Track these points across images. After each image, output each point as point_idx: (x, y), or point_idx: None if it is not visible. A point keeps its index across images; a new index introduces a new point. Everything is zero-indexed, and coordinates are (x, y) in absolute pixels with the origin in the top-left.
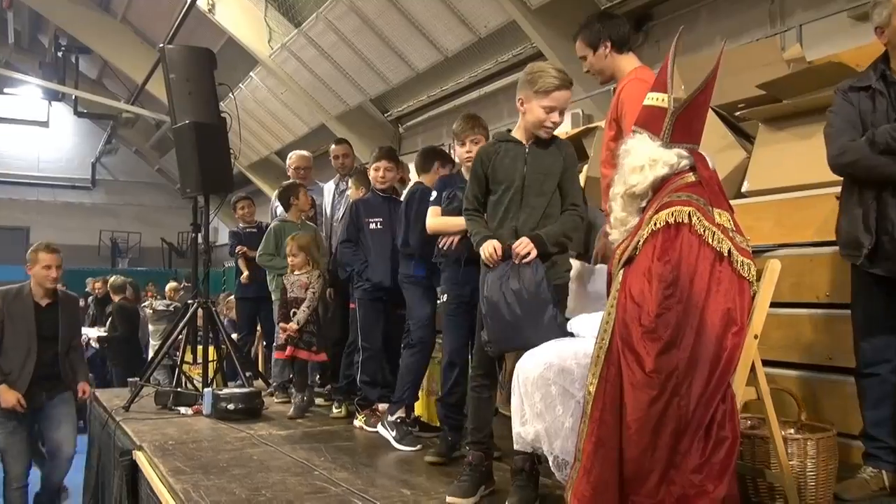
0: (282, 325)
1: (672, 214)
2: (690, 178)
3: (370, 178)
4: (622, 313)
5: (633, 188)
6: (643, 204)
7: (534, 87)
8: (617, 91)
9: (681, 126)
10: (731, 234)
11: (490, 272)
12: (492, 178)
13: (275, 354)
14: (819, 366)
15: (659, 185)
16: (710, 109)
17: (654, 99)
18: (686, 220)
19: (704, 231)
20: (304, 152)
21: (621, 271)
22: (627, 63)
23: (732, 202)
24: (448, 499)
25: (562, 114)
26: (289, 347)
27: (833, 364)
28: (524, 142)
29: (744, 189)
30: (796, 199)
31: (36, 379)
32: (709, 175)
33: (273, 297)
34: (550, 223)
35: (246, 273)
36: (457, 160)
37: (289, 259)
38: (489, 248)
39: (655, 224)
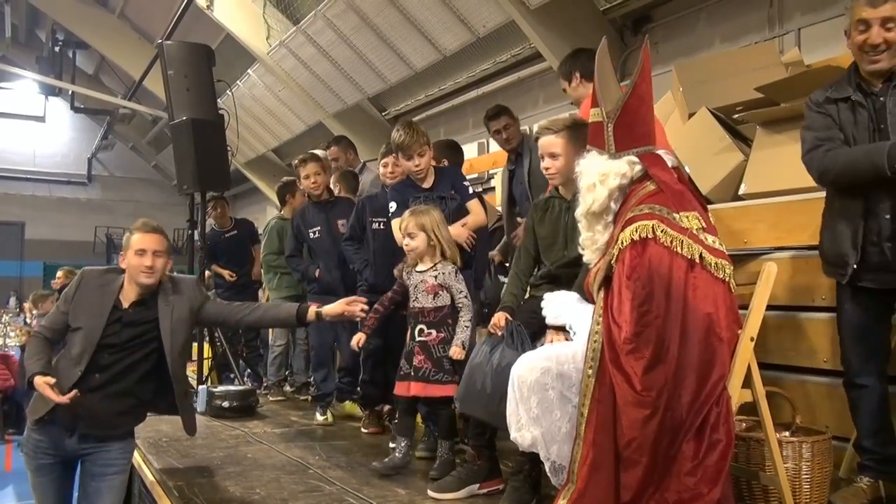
0: (354, 339)
1: (636, 230)
2: (650, 186)
3: (380, 174)
4: (607, 334)
5: (591, 207)
6: (609, 219)
7: None
8: None
9: (621, 134)
10: (701, 237)
11: (489, 337)
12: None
13: (396, 390)
14: (814, 369)
15: (622, 197)
16: (708, 112)
17: (593, 114)
18: (651, 234)
19: (672, 241)
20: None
21: (601, 291)
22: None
23: (730, 204)
24: (429, 492)
25: (552, 157)
26: (415, 384)
27: (828, 367)
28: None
29: (741, 192)
30: (793, 202)
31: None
32: (668, 178)
33: (272, 296)
34: None
35: (227, 273)
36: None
37: (404, 244)
38: (497, 318)
39: (622, 242)
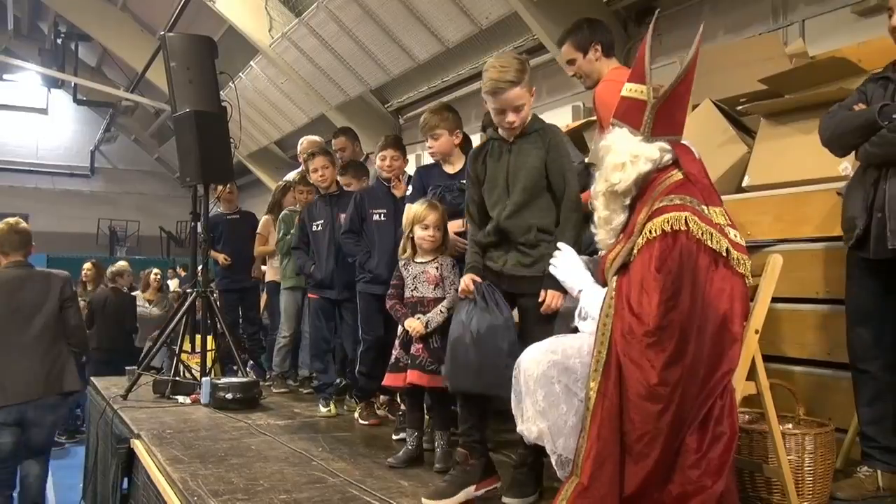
0: (412, 325)
1: (668, 222)
2: (678, 175)
3: (376, 166)
4: (620, 325)
5: (615, 186)
6: (627, 201)
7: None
8: (594, 94)
9: (662, 119)
10: (726, 231)
11: (461, 303)
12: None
13: (386, 380)
14: (818, 361)
15: (644, 183)
16: (711, 104)
17: (632, 90)
18: (683, 227)
19: (703, 234)
20: (315, 137)
21: (615, 278)
22: (609, 66)
23: (733, 196)
24: (423, 500)
25: (516, 111)
26: (411, 371)
27: (832, 360)
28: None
29: (744, 184)
30: (797, 194)
31: None
32: (697, 169)
33: (284, 286)
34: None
35: (222, 256)
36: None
37: (418, 234)
38: (464, 282)
39: (651, 232)
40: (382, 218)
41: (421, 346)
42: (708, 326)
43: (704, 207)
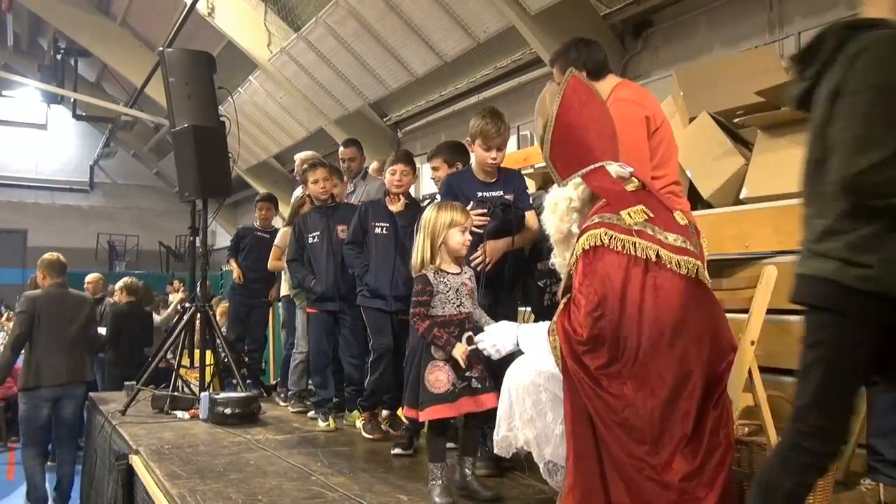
0: (461, 351)
1: (587, 240)
2: (603, 201)
3: (386, 181)
4: (563, 335)
5: (551, 233)
6: (574, 241)
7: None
8: None
9: (560, 163)
10: (658, 237)
11: None
12: None
13: (443, 410)
14: None
15: (583, 218)
16: (708, 116)
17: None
18: (600, 242)
19: (623, 246)
20: (309, 153)
21: (563, 300)
22: (605, 87)
23: (731, 209)
24: None
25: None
26: (485, 396)
27: None
28: None
29: (742, 196)
30: (795, 205)
31: None
32: (605, 182)
33: (299, 303)
34: None
35: (237, 272)
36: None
37: (457, 240)
38: None
39: (576, 253)
40: (384, 231)
41: (482, 366)
42: (657, 336)
43: (622, 213)
